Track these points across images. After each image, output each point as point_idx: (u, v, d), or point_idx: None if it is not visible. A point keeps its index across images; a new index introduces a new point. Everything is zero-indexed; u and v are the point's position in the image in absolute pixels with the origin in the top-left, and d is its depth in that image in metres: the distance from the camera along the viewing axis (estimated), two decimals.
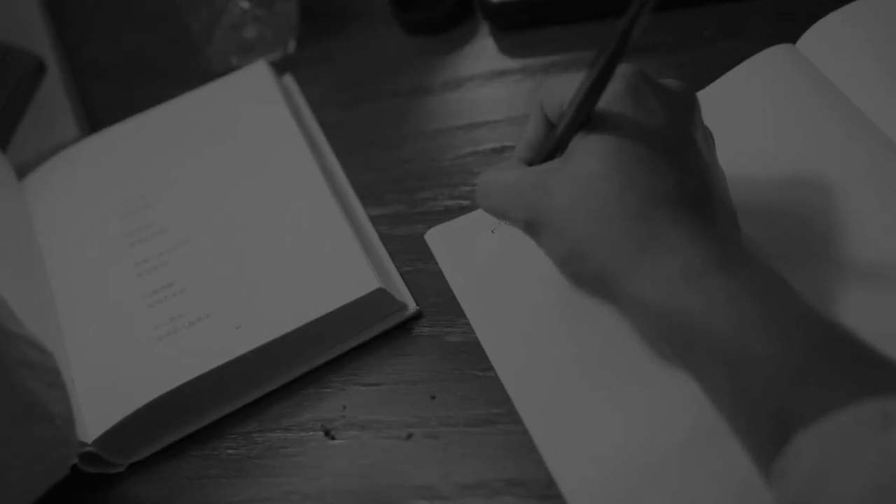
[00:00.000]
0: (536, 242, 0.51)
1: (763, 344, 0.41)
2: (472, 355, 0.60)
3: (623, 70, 0.49)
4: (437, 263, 0.65)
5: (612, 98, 0.48)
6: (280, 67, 0.83)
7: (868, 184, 0.58)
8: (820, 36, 0.66)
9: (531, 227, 0.50)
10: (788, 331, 0.41)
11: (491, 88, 0.77)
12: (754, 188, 0.59)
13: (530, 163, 0.54)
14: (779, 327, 0.41)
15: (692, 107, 0.51)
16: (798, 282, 0.46)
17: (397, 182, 0.72)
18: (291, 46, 0.85)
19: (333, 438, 0.59)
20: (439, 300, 0.64)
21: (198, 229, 0.69)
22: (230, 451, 0.61)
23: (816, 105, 0.63)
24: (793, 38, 0.67)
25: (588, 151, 0.48)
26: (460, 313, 0.62)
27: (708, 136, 0.53)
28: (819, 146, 0.61)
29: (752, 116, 0.64)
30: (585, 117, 0.49)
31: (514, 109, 0.74)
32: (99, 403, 0.61)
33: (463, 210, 0.67)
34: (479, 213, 0.66)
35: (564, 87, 0.51)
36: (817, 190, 0.59)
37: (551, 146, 0.52)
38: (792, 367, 0.40)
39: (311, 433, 0.60)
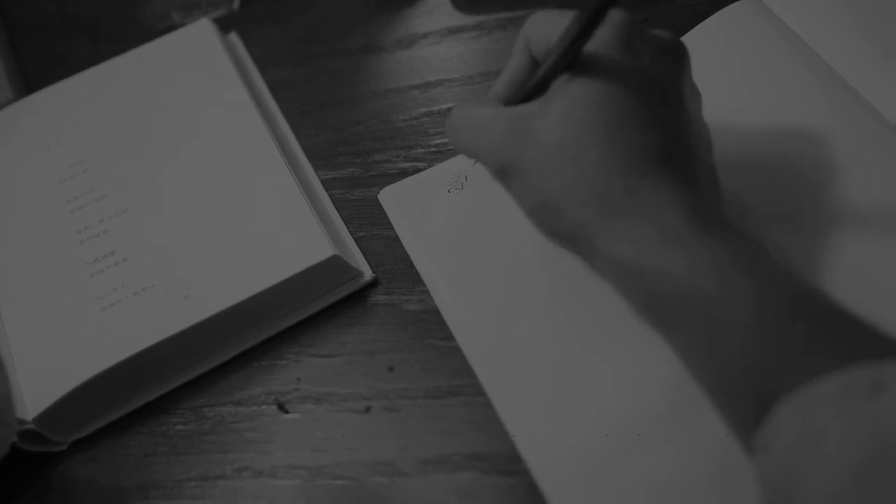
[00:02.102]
0: (506, 189, 0.48)
1: (743, 309, 0.39)
2: (432, 324, 0.58)
3: (615, 16, 0.46)
4: (393, 229, 0.63)
5: (601, 43, 0.46)
6: (224, 25, 0.80)
7: (837, 137, 0.57)
8: None
9: (502, 173, 0.47)
10: (770, 296, 0.40)
11: (446, 46, 0.75)
12: (723, 145, 0.57)
13: (507, 102, 0.51)
14: (760, 293, 0.40)
15: (683, 61, 0.49)
16: (768, 236, 0.45)
17: (350, 144, 0.70)
18: (236, 3, 0.83)
19: (287, 412, 0.58)
20: (396, 267, 0.62)
21: (141, 195, 0.66)
22: (178, 427, 0.59)
23: (785, 59, 0.62)
24: None
25: (572, 97, 0.45)
26: (418, 280, 0.60)
27: (695, 92, 0.51)
28: (788, 101, 0.60)
29: (721, 72, 0.62)
30: (572, 59, 0.46)
31: (470, 68, 0.72)
32: (39, 379, 0.58)
33: (419, 172, 0.65)
34: (434, 171, 0.64)
35: (553, 24, 0.48)
36: (787, 145, 0.58)
37: (532, 86, 0.48)
38: (773, 334, 0.38)
39: (263, 407, 0.58)
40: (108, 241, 0.64)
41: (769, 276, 0.41)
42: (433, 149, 0.67)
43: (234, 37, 0.80)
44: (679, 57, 0.48)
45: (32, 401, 0.57)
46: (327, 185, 0.68)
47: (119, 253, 0.63)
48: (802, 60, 0.61)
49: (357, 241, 0.64)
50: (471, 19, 0.76)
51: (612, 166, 0.43)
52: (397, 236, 0.62)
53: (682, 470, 0.48)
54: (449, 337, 0.57)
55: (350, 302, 0.61)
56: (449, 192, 0.62)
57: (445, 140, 0.67)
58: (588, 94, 0.44)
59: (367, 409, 0.56)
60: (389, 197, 0.64)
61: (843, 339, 0.38)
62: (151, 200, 0.66)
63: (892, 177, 0.55)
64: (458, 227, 0.60)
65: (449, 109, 0.67)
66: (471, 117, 0.50)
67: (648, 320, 0.44)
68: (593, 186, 0.43)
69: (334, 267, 0.59)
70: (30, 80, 0.83)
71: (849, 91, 0.59)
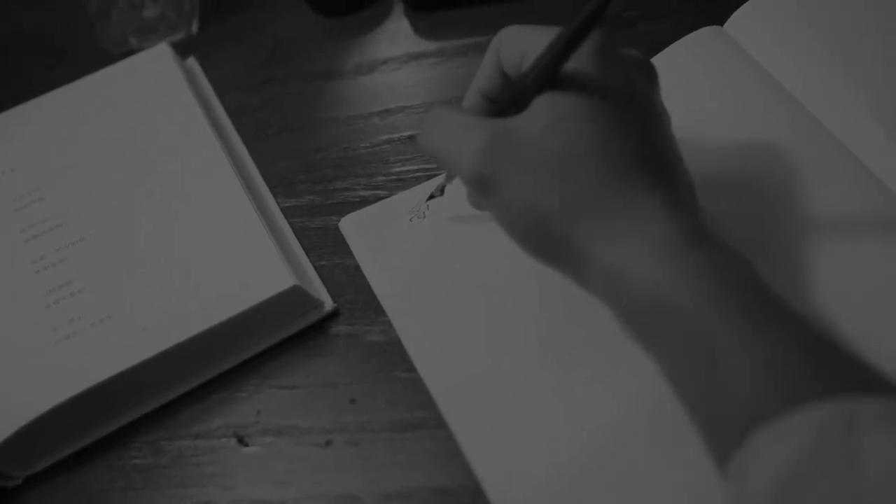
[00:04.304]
0: (485, 202, 0.47)
1: (731, 328, 0.39)
2: (394, 355, 0.58)
3: (592, 34, 0.46)
4: (354, 258, 0.62)
5: (580, 61, 0.46)
6: (183, 49, 0.80)
7: (795, 160, 0.58)
8: (747, 18, 0.66)
9: (483, 183, 0.46)
10: (758, 318, 0.40)
11: (406, 72, 0.74)
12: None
13: (481, 112, 0.51)
14: (748, 313, 0.40)
15: (654, 79, 0.49)
16: None
17: (310, 171, 0.69)
18: (195, 27, 0.82)
19: (247, 445, 0.57)
20: (358, 297, 0.61)
21: (97, 224, 0.65)
22: (136, 461, 0.58)
23: (745, 88, 0.63)
24: (718, 21, 0.67)
25: (557, 110, 0.45)
26: (380, 310, 0.60)
27: (665, 110, 0.50)
28: (748, 129, 0.61)
29: (683, 97, 0.62)
30: (553, 75, 0.46)
31: (431, 94, 0.72)
32: None
33: (381, 200, 0.65)
34: (395, 199, 0.64)
35: (526, 38, 0.48)
36: (746, 167, 0.59)
37: (510, 101, 0.48)
38: (758, 355, 0.38)
39: (223, 440, 0.57)
40: (65, 271, 0.63)
41: (758, 298, 0.41)
42: (394, 176, 0.67)
43: (192, 62, 0.79)
44: (651, 73, 0.49)
45: None
46: (287, 213, 0.67)
47: (76, 283, 0.62)
48: (762, 86, 0.62)
49: (318, 270, 0.63)
50: (432, 45, 0.75)
51: (602, 177, 0.43)
52: (359, 265, 0.62)
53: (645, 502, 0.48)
54: (411, 368, 0.56)
55: (311, 333, 0.60)
56: (410, 220, 0.62)
57: (407, 168, 0.67)
58: (573, 108, 0.44)
59: (329, 443, 0.55)
60: (350, 225, 0.63)
61: (825, 368, 0.38)
62: (109, 229, 0.65)
63: (845, 195, 0.56)
64: (420, 257, 0.60)
65: (410, 137, 0.67)
66: (449, 122, 0.48)
67: (632, 332, 0.44)
68: (583, 198, 0.43)
69: (294, 297, 0.59)
70: None
71: (810, 119, 0.60)
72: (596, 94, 0.45)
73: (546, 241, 0.45)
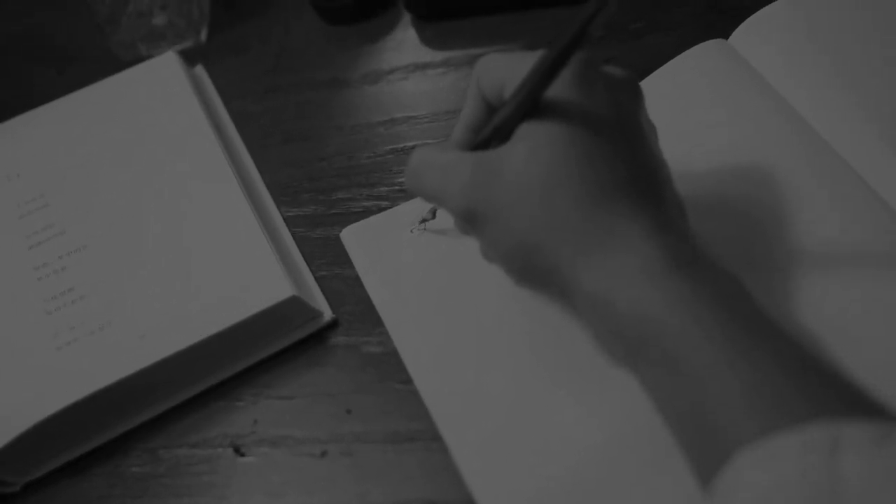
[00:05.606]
0: (473, 234, 0.48)
1: (715, 351, 0.39)
2: (392, 367, 0.58)
3: (573, 57, 0.46)
4: (355, 269, 0.62)
5: (560, 86, 0.45)
6: (191, 57, 0.80)
7: (796, 177, 0.58)
8: (752, 31, 0.66)
9: (470, 218, 0.47)
10: (744, 340, 0.40)
11: (412, 82, 0.74)
12: (684, 185, 0.57)
13: (468, 147, 0.50)
14: (734, 335, 0.40)
15: (638, 96, 0.49)
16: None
17: (314, 181, 0.69)
18: (203, 35, 0.82)
19: (243, 455, 0.57)
20: (357, 308, 0.61)
21: (100, 231, 0.66)
22: (134, 469, 0.58)
23: (747, 101, 0.62)
24: (723, 34, 0.67)
25: (538, 139, 0.45)
26: (379, 322, 0.60)
27: (652, 126, 0.50)
28: (751, 143, 0.60)
29: (685, 110, 0.63)
30: (532, 105, 0.46)
31: (436, 104, 0.72)
32: None
33: (382, 211, 0.65)
34: (397, 211, 0.64)
35: (505, 66, 0.48)
36: (747, 184, 0.59)
37: (490, 132, 0.48)
38: (742, 378, 0.38)
39: (219, 450, 0.57)
40: (67, 278, 0.63)
41: (744, 320, 0.41)
42: (396, 187, 0.67)
43: (199, 69, 0.79)
44: (634, 92, 0.48)
45: None
46: (290, 222, 0.67)
47: (77, 290, 0.62)
48: (766, 100, 0.62)
49: (318, 280, 0.63)
50: (438, 55, 0.75)
51: (586, 202, 0.43)
52: (358, 276, 0.62)
53: None
54: (408, 380, 0.56)
55: (310, 342, 0.60)
56: (411, 232, 0.61)
57: None
58: (554, 135, 0.44)
59: (324, 454, 0.55)
60: (352, 236, 0.63)
61: (810, 390, 0.38)
62: (111, 237, 0.65)
63: (847, 212, 0.56)
64: (419, 269, 0.60)
65: (414, 147, 0.66)
66: (433, 162, 0.49)
67: (617, 355, 0.44)
68: (568, 224, 0.43)
69: (293, 307, 0.59)
70: None
71: (808, 130, 0.60)
72: (578, 119, 0.44)
73: (534, 269, 0.45)
